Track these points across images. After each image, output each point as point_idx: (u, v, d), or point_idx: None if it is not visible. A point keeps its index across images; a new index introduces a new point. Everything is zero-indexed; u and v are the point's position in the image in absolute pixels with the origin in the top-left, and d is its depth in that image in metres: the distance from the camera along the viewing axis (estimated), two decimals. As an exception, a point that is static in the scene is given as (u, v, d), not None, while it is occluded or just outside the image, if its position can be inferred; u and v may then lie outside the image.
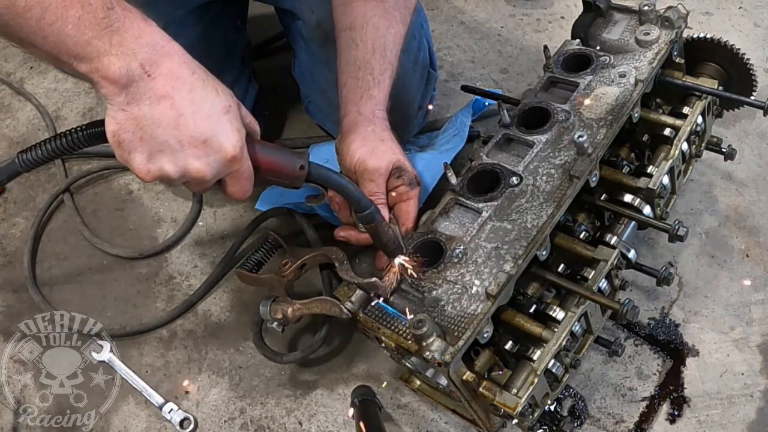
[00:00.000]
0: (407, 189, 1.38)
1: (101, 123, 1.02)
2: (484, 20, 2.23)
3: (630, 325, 1.55)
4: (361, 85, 1.39)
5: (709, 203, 1.72)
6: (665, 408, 1.45)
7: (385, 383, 1.52)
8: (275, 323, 1.35)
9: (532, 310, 1.29)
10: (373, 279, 1.24)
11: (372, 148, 1.35)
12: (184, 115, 0.99)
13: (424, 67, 1.75)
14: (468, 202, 1.34)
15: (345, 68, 1.42)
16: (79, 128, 1.06)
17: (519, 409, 1.17)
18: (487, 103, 1.90)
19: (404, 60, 1.67)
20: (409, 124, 1.78)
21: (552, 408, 1.35)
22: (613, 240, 1.40)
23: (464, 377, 1.18)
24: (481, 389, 1.20)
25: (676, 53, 1.51)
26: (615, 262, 1.32)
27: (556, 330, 1.24)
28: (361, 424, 1.34)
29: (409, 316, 1.18)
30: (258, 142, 1.13)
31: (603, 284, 1.32)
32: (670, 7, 1.47)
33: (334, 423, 1.50)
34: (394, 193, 1.39)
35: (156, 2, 1.60)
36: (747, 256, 1.64)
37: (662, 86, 1.52)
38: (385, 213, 1.32)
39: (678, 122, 1.49)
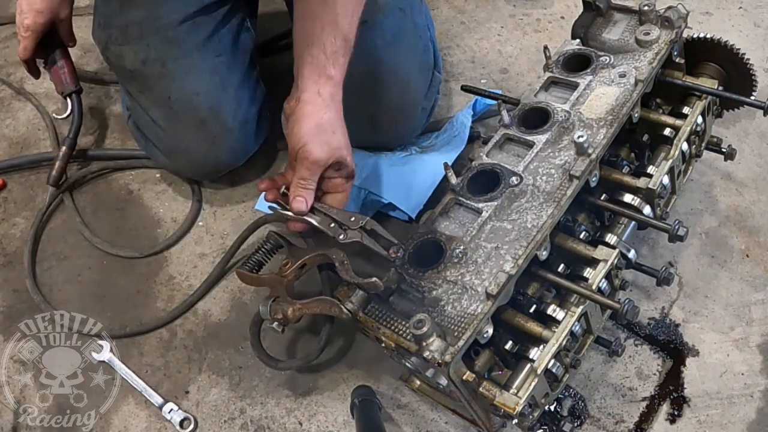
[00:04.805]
0: (343, 182, 1.41)
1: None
2: (484, 20, 2.23)
3: (630, 325, 1.55)
4: (316, 63, 1.37)
5: (709, 203, 1.73)
6: (665, 408, 1.45)
7: (384, 383, 1.52)
8: (275, 323, 1.35)
9: (532, 310, 1.30)
10: (373, 279, 1.24)
11: (321, 139, 1.35)
12: None
13: (429, 68, 1.75)
14: (468, 202, 1.34)
15: (298, 40, 1.40)
16: None
17: (519, 409, 1.17)
18: (487, 104, 1.90)
19: (409, 61, 1.67)
20: (412, 124, 1.78)
21: (552, 408, 1.35)
22: (613, 240, 1.40)
23: (464, 377, 1.18)
24: (481, 389, 1.20)
25: (676, 53, 1.51)
26: (615, 262, 1.32)
27: (556, 330, 1.24)
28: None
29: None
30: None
31: (603, 284, 1.32)
32: (670, 7, 1.47)
33: (334, 423, 1.50)
34: (329, 182, 1.41)
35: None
36: (747, 256, 1.64)
37: (662, 86, 1.52)
38: (310, 199, 1.35)
39: (678, 122, 1.49)
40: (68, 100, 1.84)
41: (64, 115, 2.01)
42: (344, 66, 1.39)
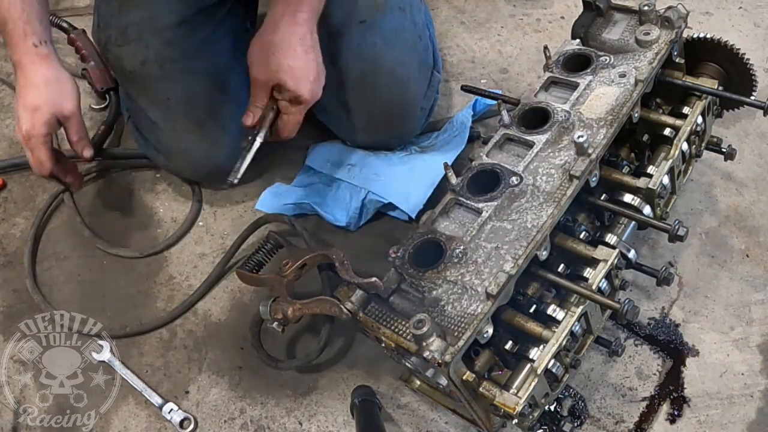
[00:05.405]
0: (287, 105, 1.44)
1: None
2: (484, 20, 2.23)
3: (630, 325, 1.55)
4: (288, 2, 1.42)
5: (709, 203, 1.73)
6: (665, 408, 1.45)
7: (385, 383, 1.52)
8: (275, 323, 1.35)
9: (532, 310, 1.30)
10: (373, 279, 1.24)
11: (260, 59, 1.40)
12: None
13: (428, 68, 1.76)
14: (468, 202, 1.34)
15: None
16: None
17: (519, 409, 1.17)
18: (487, 104, 1.90)
19: (408, 61, 1.67)
20: (411, 124, 1.78)
21: (552, 408, 1.35)
22: (613, 240, 1.40)
23: (464, 377, 1.18)
24: (481, 389, 1.20)
25: (676, 53, 1.51)
26: (615, 262, 1.32)
27: (556, 330, 1.24)
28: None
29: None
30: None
31: (603, 284, 1.32)
32: (670, 7, 1.47)
33: (334, 423, 1.50)
34: (279, 104, 1.45)
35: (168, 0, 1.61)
36: (747, 256, 1.64)
37: (662, 86, 1.52)
38: (255, 115, 1.42)
39: (678, 122, 1.49)
40: (108, 95, 2.06)
41: (101, 107, 2.09)
42: (317, 8, 1.43)
